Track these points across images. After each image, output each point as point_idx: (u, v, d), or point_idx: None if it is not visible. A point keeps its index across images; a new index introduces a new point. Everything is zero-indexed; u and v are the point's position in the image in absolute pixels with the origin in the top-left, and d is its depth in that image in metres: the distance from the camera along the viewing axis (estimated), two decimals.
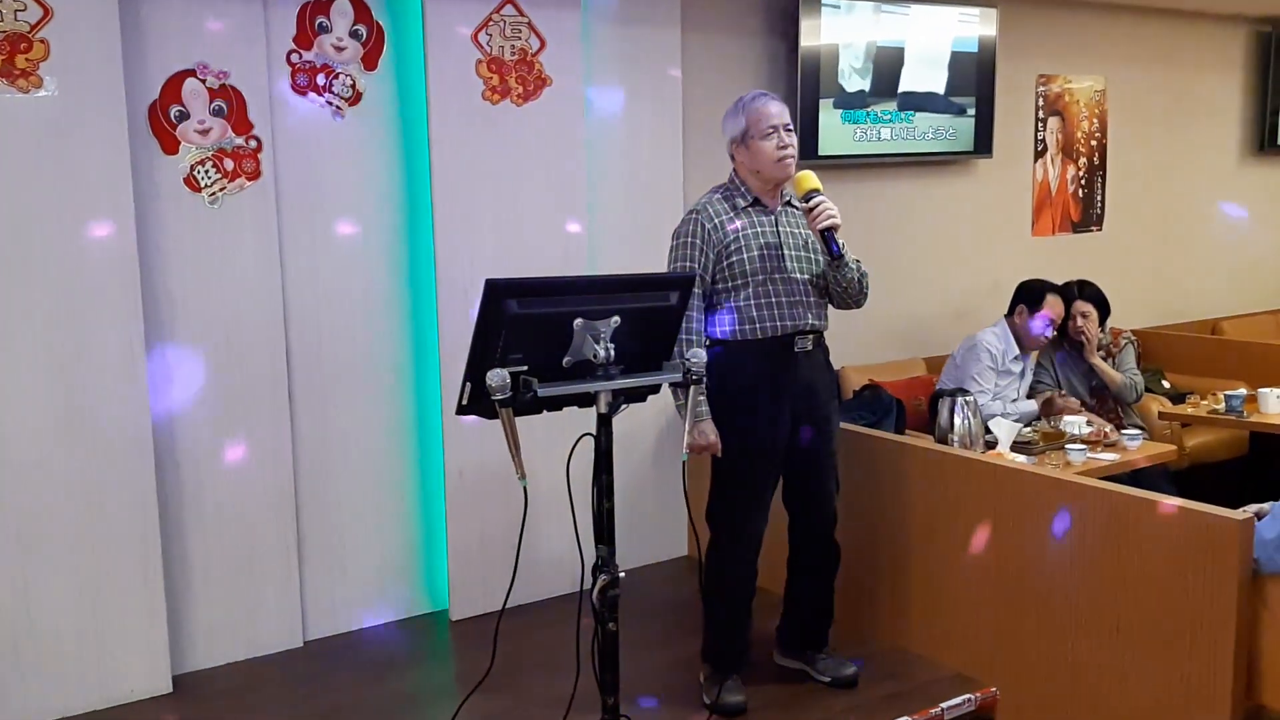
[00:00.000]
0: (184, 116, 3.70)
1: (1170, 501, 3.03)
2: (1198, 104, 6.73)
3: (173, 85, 3.67)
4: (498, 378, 2.61)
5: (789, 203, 3.43)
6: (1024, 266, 5.77)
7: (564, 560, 4.33)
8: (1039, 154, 6.05)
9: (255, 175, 3.82)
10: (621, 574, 2.81)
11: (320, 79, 3.95)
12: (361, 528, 4.20)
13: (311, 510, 4.09)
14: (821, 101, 5.06)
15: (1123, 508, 3.12)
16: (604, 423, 2.81)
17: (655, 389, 2.92)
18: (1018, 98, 5.91)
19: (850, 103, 5.16)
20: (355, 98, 4.02)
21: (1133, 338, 5.29)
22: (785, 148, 3.31)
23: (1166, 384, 5.89)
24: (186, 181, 3.72)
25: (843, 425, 4.61)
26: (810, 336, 3.37)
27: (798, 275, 3.35)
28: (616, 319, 2.78)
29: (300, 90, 3.92)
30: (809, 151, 5.04)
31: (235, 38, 3.74)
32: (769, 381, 3.33)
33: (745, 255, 3.31)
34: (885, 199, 5.52)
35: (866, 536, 3.90)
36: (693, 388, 2.89)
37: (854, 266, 3.36)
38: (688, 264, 3.32)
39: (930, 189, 5.68)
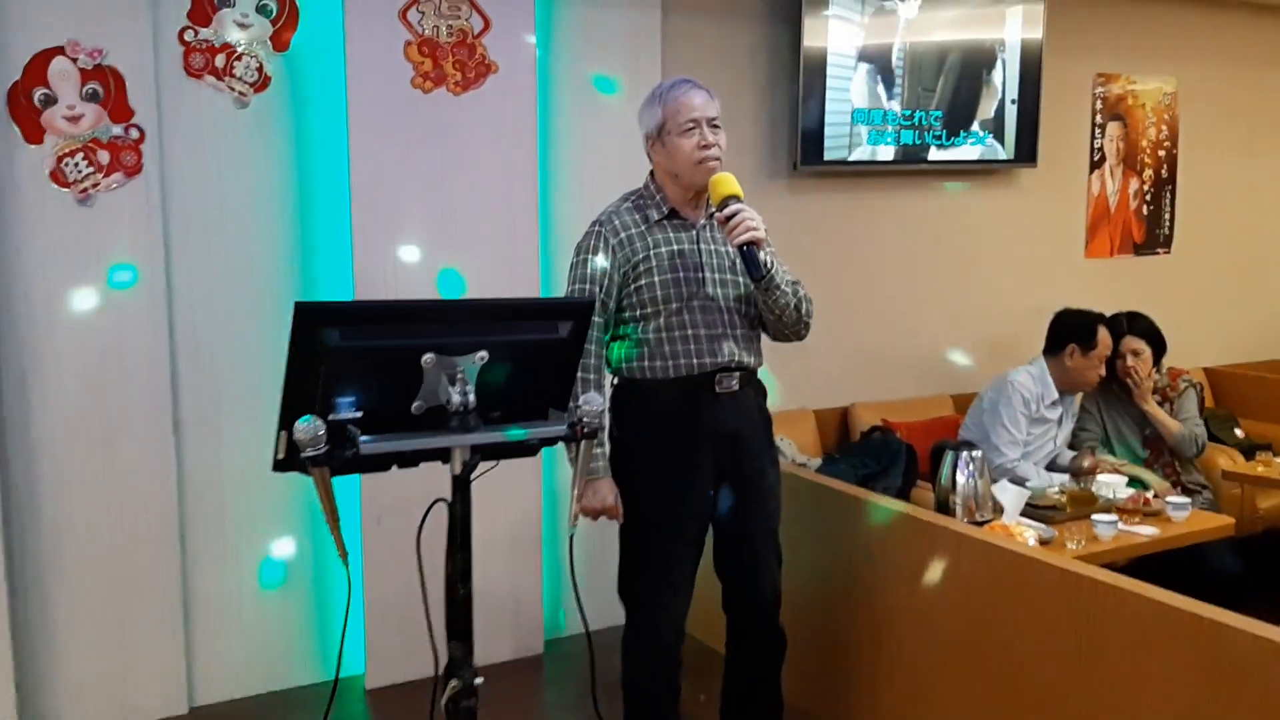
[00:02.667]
0: (50, 101, 3.19)
1: (1198, 610, 2.32)
2: None
3: (37, 65, 3.17)
4: (307, 429, 2.06)
5: (712, 216, 2.81)
6: (1075, 292, 5.01)
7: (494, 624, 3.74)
8: (1095, 164, 5.29)
9: (136, 170, 3.30)
10: (479, 680, 2.21)
11: (220, 60, 3.42)
12: (261, 578, 3.65)
13: (201, 557, 3.55)
14: (829, 99, 4.39)
15: (1140, 613, 2.42)
16: (460, 487, 2.23)
17: (533, 448, 2.31)
18: (1070, 99, 5.17)
19: (864, 101, 4.49)
20: (262, 83, 3.48)
21: (1194, 381, 4.51)
22: (708, 146, 2.67)
23: (1239, 433, 5.06)
24: (52, 175, 3.21)
25: (827, 474, 4.00)
26: (736, 374, 2.74)
27: (721, 302, 2.73)
28: (483, 355, 2.20)
29: (195, 73, 3.39)
30: (813, 156, 4.38)
31: (114, 10, 3.23)
32: (685, 429, 2.71)
33: (657, 278, 2.69)
34: (906, 213, 4.83)
35: (837, 610, 3.24)
36: (584, 442, 2.28)
37: (788, 290, 2.73)
38: (587, 287, 2.72)
39: (962, 202, 4.97)
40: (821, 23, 4.32)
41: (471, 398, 2.17)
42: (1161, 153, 5.47)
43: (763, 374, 2.87)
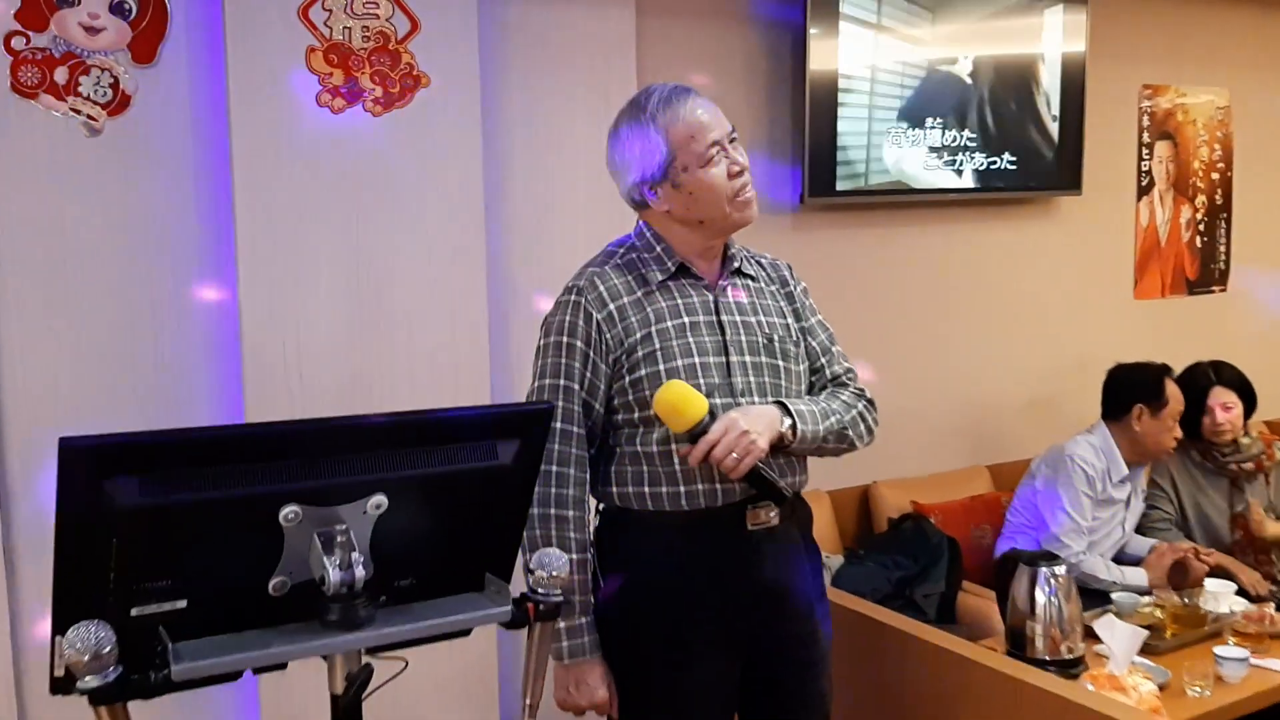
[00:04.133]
0: None
1: None
2: None
3: None
4: (82, 642, 1.29)
5: (738, 270, 2.03)
6: (1124, 339, 4.27)
7: None
8: (1143, 189, 4.55)
9: None
10: None
11: (60, 75, 2.61)
12: None
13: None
14: (841, 119, 3.62)
15: None
16: (349, 714, 1.45)
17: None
18: (1116, 116, 4.43)
19: (882, 122, 3.72)
20: (119, 104, 2.67)
21: None
22: (742, 173, 1.92)
23: None
24: None
25: (854, 578, 3.21)
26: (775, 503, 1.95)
27: (758, 399, 1.93)
28: (380, 501, 1.43)
29: (27, 91, 2.59)
30: (823, 186, 3.61)
31: None
32: (705, 584, 1.91)
33: (662, 365, 1.90)
34: (931, 251, 4.05)
35: None
36: (541, 624, 1.52)
37: (830, 437, 1.97)
38: (560, 382, 1.92)
39: (997, 236, 4.20)
40: (831, 31, 3.55)
41: (360, 570, 1.42)
42: (1215, 175, 4.74)
43: None
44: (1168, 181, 4.59)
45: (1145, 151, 4.52)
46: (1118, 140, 4.45)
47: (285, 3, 2.71)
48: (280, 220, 2.74)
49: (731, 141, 1.93)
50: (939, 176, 3.85)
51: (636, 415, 1.91)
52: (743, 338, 1.95)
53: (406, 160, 2.86)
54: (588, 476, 1.92)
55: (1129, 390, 3.49)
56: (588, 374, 1.91)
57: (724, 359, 1.92)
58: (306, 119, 2.75)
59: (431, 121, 2.89)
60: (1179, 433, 3.50)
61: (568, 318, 1.92)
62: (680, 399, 1.80)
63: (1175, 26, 4.54)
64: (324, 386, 2.78)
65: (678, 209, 1.93)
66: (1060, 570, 2.62)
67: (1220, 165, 4.74)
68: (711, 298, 1.96)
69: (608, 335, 1.90)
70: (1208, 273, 4.76)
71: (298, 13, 2.73)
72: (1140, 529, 3.60)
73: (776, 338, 1.98)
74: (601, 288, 1.93)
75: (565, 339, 1.92)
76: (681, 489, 1.89)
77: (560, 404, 1.89)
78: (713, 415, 1.80)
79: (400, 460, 1.46)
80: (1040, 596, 2.63)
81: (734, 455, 1.78)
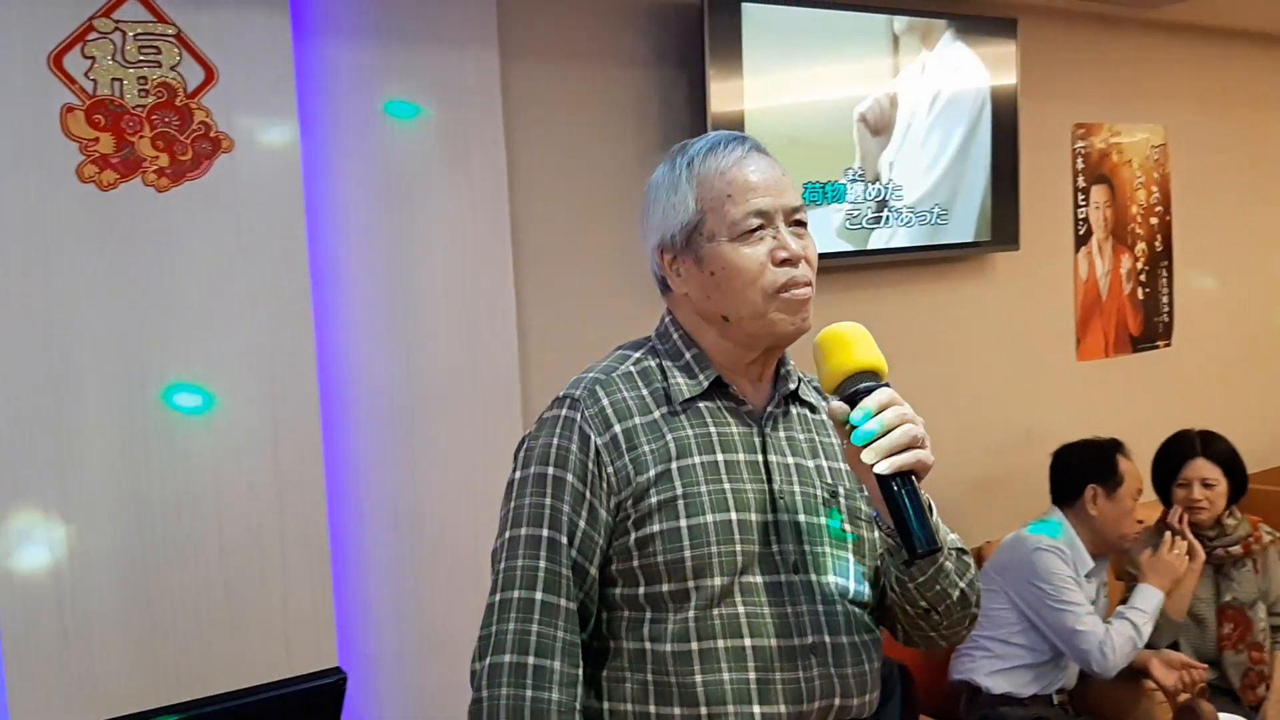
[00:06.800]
0: None
1: None
2: None
3: None
4: None
5: (795, 393, 1.48)
6: (1068, 407, 3.86)
7: None
8: (1081, 240, 4.11)
9: None
10: None
11: None
12: None
13: None
14: None
15: None
16: None
17: None
18: (1049, 159, 3.98)
19: (793, 174, 3.20)
20: None
21: (1276, 534, 3.30)
22: (794, 262, 1.38)
23: None
24: None
25: None
26: None
27: (814, 576, 1.38)
28: None
29: None
30: None
31: None
32: None
33: (684, 522, 1.33)
34: (852, 317, 3.51)
35: None
36: None
37: (953, 569, 1.41)
38: (543, 532, 1.34)
39: (927, 299, 3.70)
40: (734, 73, 3.02)
41: None
42: (1154, 220, 4.33)
43: None
44: (1106, 229, 4.16)
45: (1081, 197, 4.09)
46: (1052, 187, 4.00)
47: (30, 49, 2.08)
48: (30, 336, 2.09)
49: (795, 224, 1.41)
50: (855, 237, 3.34)
51: (643, 592, 1.34)
52: (796, 488, 1.40)
53: (204, 246, 2.24)
54: (581, 674, 1.32)
55: (1078, 471, 3.08)
56: (581, 523, 1.34)
57: (768, 516, 1.36)
58: (66, 197, 2.11)
59: (237, 194, 2.27)
60: (1139, 516, 3.07)
61: (556, 441, 1.36)
62: (853, 339, 1.32)
63: (1106, 61, 4.13)
64: (98, 544, 2.13)
65: (697, 294, 1.40)
66: None
67: (1159, 209, 4.34)
68: (757, 430, 1.41)
69: (610, 469, 1.34)
70: (1151, 327, 4.34)
71: (48, 62, 2.10)
72: None
73: (843, 491, 1.43)
74: (605, 401, 1.38)
75: (552, 470, 1.35)
76: (704, 711, 1.30)
77: (542, 565, 1.32)
78: (879, 377, 1.32)
79: None
80: None
81: (908, 428, 1.27)
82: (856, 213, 3.30)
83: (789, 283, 1.36)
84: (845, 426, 1.28)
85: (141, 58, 2.18)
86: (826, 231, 3.24)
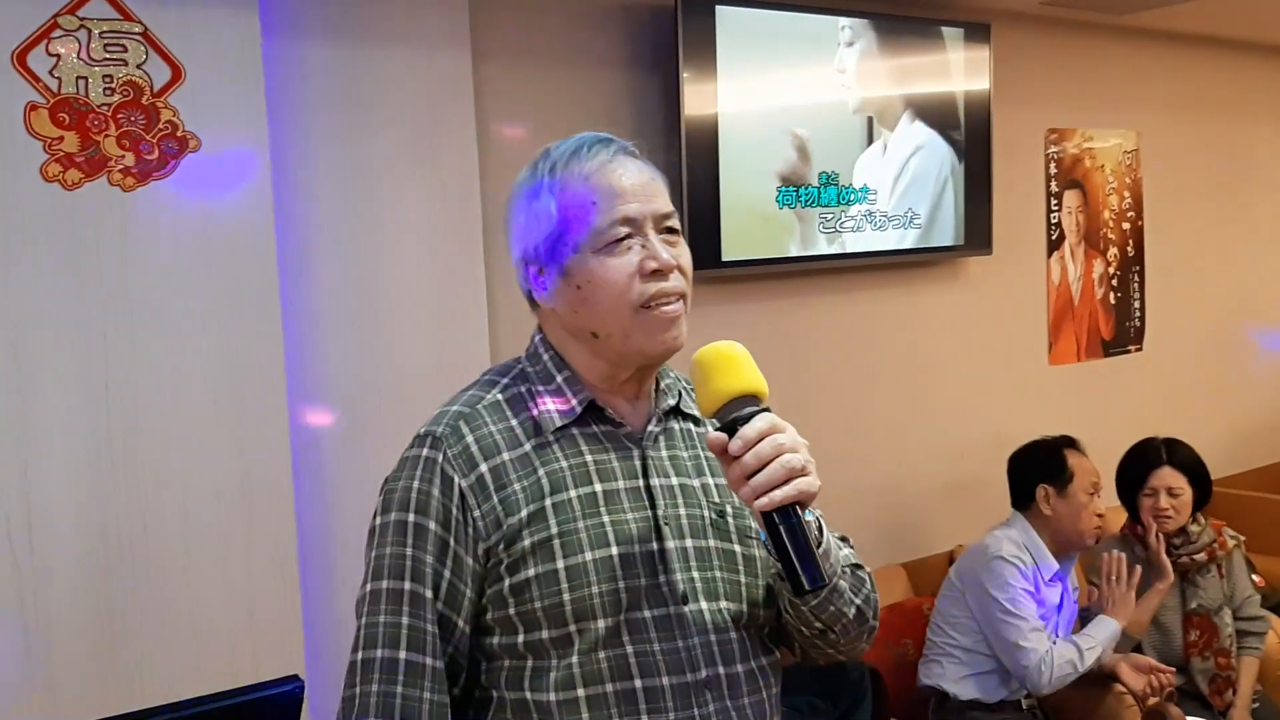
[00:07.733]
0: None
1: None
2: (1269, 165, 4.87)
3: None
4: None
5: (676, 408, 1.40)
6: (1040, 411, 3.87)
7: None
8: (1054, 245, 4.13)
9: None
10: None
11: None
12: None
13: None
14: (723, 177, 3.08)
15: None
16: None
17: None
18: (1021, 163, 4.00)
19: (768, 180, 3.20)
20: None
21: (1240, 537, 3.32)
22: (664, 273, 1.29)
23: (1256, 579, 3.88)
24: None
25: None
26: None
27: (705, 609, 1.31)
28: None
29: None
30: (708, 258, 3.05)
31: None
32: None
33: (562, 562, 1.26)
34: (824, 324, 3.53)
35: None
36: None
37: (849, 587, 1.34)
38: (405, 585, 1.26)
39: (900, 302, 3.71)
40: (708, 76, 3.02)
41: None
42: (1126, 225, 4.35)
43: None
44: (1078, 234, 4.19)
45: (1054, 202, 4.10)
46: (1025, 191, 4.02)
47: None
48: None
49: (666, 231, 1.30)
50: (828, 242, 3.34)
51: (522, 640, 1.26)
52: (682, 511, 1.32)
53: (170, 248, 2.21)
54: None
55: (1029, 473, 3.10)
56: (445, 573, 1.25)
57: (653, 545, 1.29)
58: (30, 198, 2.08)
59: (204, 194, 2.24)
60: (1101, 510, 3.06)
61: (416, 484, 1.27)
62: (733, 360, 1.24)
63: (1079, 66, 4.15)
64: (61, 552, 2.10)
65: (564, 310, 1.32)
66: None
67: (1131, 214, 4.36)
68: (637, 454, 1.33)
69: (476, 513, 1.26)
70: (1123, 331, 4.37)
71: (12, 59, 2.06)
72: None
73: (731, 510, 1.35)
74: (470, 438, 1.29)
75: (412, 518, 1.26)
76: None
77: (405, 621, 1.24)
78: (759, 401, 1.23)
79: None
80: None
81: (788, 458, 1.18)
82: (830, 216, 3.31)
83: (657, 294, 1.27)
84: (724, 456, 1.21)
85: (107, 55, 2.15)
86: (800, 235, 3.24)
